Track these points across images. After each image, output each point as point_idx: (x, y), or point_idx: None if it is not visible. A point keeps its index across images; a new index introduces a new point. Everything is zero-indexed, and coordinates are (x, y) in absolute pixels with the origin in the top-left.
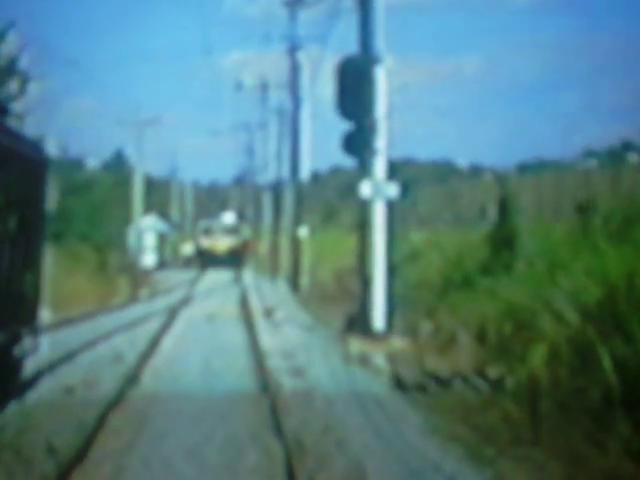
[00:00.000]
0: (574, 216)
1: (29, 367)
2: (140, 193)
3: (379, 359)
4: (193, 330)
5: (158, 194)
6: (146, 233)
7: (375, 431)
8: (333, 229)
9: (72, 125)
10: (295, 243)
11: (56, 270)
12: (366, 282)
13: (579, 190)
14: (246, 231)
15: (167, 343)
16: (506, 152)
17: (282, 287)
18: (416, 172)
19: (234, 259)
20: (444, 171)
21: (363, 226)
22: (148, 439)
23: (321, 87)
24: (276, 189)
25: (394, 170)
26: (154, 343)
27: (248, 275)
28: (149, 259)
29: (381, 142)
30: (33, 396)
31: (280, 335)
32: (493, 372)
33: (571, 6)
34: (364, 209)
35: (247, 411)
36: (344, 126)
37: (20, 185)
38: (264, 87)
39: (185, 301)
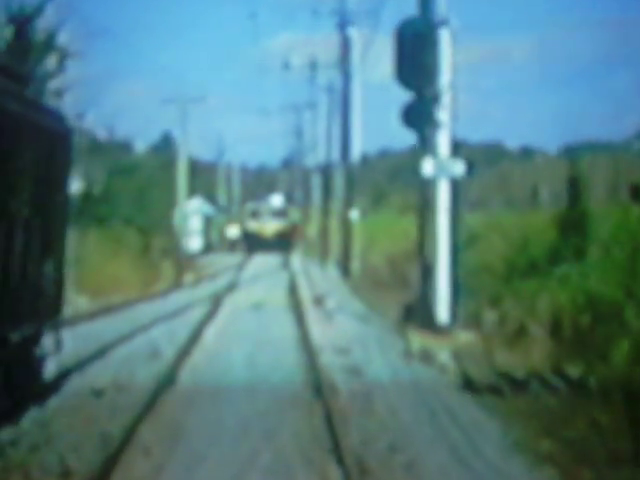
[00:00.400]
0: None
1: (55, 364)
2: (185, 175)
3: (444, 355)
4: (238, 321)
5: (205, 177)
6: (192, 216)
7: (450, 448)
8: (383, 212)
9: (121, 107)
10: (346, 226)
11: (98, 254)
12: (426, 269)
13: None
14: (294, 214)
15: (209, 336)
16: (556, 134)
17: (332, 272)
18: (466, 154)
19: (282, 243)
20: (494, 153)
21: (423, 208)
22: (181, 462)
23: (370, 68)
24: (326, 171)
25: (457, 147)
26: (194, 337)
27: (296, 259)
28: (195, 243)
29: (445, 114)
30: (55, 401)
31: (332, 327)
32: (572, 371)
33: None
34: (424, 189)
35: (297, 423)
36: (393, 107)
37: (37, 159)
38: (313, 66)
39: (230, 287)
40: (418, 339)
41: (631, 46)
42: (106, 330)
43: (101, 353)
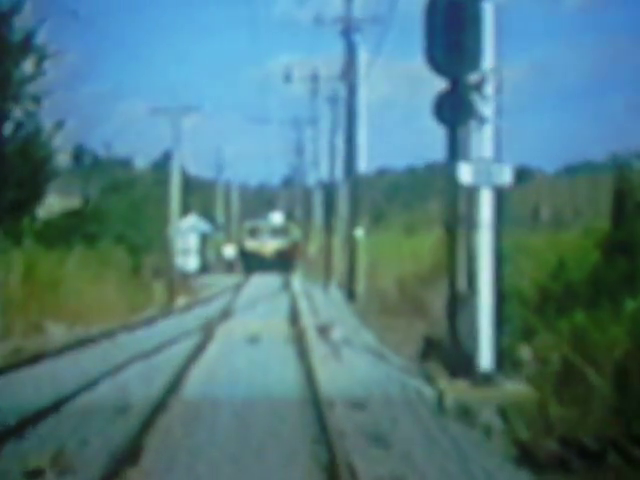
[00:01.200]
0: None
1: None
2: (178, 190)
3: (488, 413)
4: (230, 359)
5: (203, 195)
6: (187, 234)
7: None
8: (384, 232)
9: (124, 126)
10: (351, 246)
11: (80, 277)
12: (457, 298)
13: None
14: (295, 232)
15: (192, 383)
16: (553, 154)
17: (336, 295)
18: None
19: (282, 263)
20: None
21: (454, 224)
22: None
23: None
24: (329, 188)
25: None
26: (175, 383)
27: (297, 280)
28: (190, 262)
29: (488, 107)
30: None
31: (342, 366)
32: None
33: (617, 7)
34: (454, 201)
35: None
36: (390, 126)
37: None
38: (314, 78)
39: (225, 314)
40: (452, 389)
41: (623, 69)
42: (69, 371)
43: (54, 408)
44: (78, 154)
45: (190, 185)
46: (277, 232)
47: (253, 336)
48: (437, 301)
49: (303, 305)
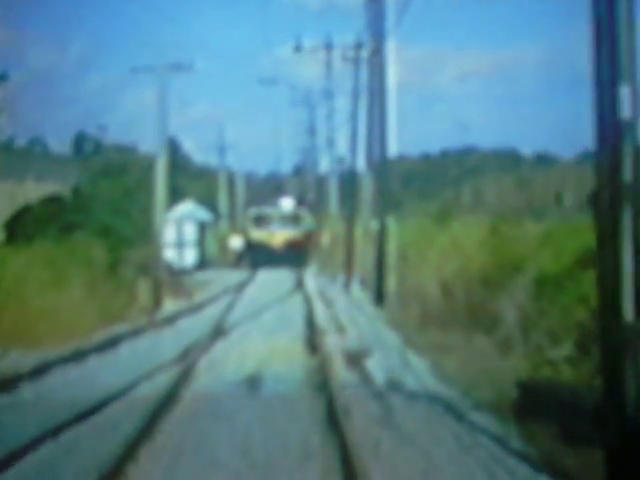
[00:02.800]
0: None
1: None
2: (164, 172)
3: None
4: (211, 424)
5: (209, 184)
6: (182, 224)
7: None
8: (403, 221)
9: (134, 114)
10: (380, 237)
11: (44, 276)
12: (617, 330)
13: None
14: (308, 220)
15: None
16: (571, 140)
17: (360, 296)
18: (480, 160)
19: (294, 256)
20: (508, 160)
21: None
22: None
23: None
24: (350, 172)
25: None
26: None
27: (311, 277)
28: (186, 256)
29: None
30: None
31: (402, 448)
32: None
33: None
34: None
35: None
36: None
37: None
38: (328, 47)
39: (219, 331)
40: None
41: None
42: None
43: None
44: (78, 141)
45: (195, 173)
46: (288, 220)
47: (253, 375)
48: (507, 310)
49: (321, 312)
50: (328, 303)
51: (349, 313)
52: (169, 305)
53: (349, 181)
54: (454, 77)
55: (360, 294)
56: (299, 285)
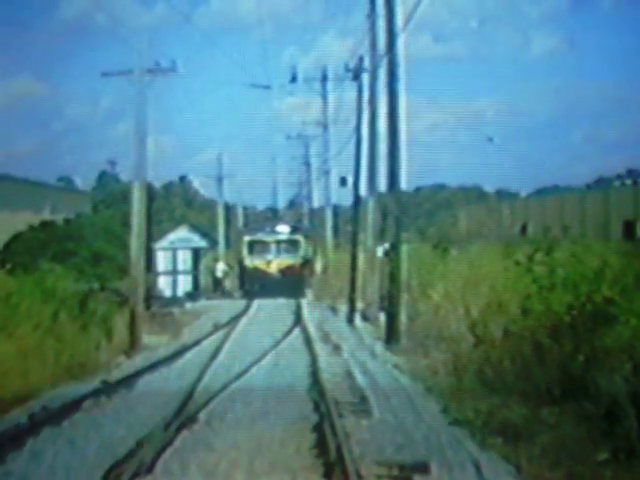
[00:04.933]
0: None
1: None
2: (140, 198)
3: None
4: None
5: (212, 216)
6: (177, 251)
7: None
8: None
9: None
10: (394, 266)
11: None
12: None
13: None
14: (305, 246)
15: None
16: (525, 179)
17: (367, 335)
18: (448, 196)
19: (291, 285)
20: (473, 195)
21: None
22: None
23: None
24: (355, 199)
25: None
26: None
27: (310, 309)
28: (180, 285)
29: None
30: None
31: None
32: None
33: (576, 57)
34: None
35: None
36: None
37: None
38: (323, 78)
39: (186, 415)
40: None
41: (583, 106)
42: None
43: None
44: (101, 179)
45: (200, 206)
46: (285, 247)
47: None
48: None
49: (327, 363)
50: (334, 347)
51: (361, 364)
52: (145, 348)
53: (353, 205)
54: (426, 125)
55: (366, 331)
56: (298, 320)
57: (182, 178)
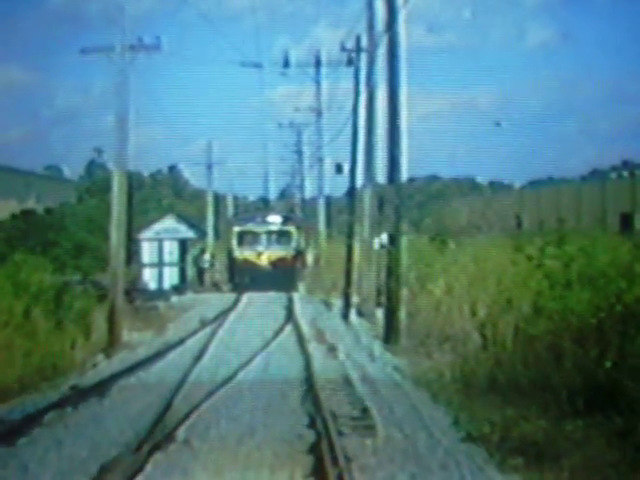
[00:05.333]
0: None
1: None
2: (121, 184)
3: None
4: None
5: (202, 206)
6: (162, 242)
7: None
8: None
9: (142, 148)
10: (393, 257)
11: None
12: None
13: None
14: (297, 237)
15: None
16: (519, 171)
17: (364, 332)
18: (441, 188)
19: (283, 278)
20: (466, 187)
21: None
22: None
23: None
24: (351, 189)
25: None
26: None
27: (303, 304)
28: (166, 277)
29: None
30: None
31: None
32: None
33: (570, 48)
34: None
35: None
36: None
37: None
38: (317, 63)
39: (169, 422)
40: None
41: (576, 98)
42: None
43: None
44: (89, 168)
45: (190, 196)
46: (276, 238)
47: None
48: None
49: (322, 364)
50: (329, 348)
51: (360, 367)
52: (126, 346)
53: (348, 193)
54: (418, 116)
55: (363, 328)
56: (289, 315)
57: (172, 168)
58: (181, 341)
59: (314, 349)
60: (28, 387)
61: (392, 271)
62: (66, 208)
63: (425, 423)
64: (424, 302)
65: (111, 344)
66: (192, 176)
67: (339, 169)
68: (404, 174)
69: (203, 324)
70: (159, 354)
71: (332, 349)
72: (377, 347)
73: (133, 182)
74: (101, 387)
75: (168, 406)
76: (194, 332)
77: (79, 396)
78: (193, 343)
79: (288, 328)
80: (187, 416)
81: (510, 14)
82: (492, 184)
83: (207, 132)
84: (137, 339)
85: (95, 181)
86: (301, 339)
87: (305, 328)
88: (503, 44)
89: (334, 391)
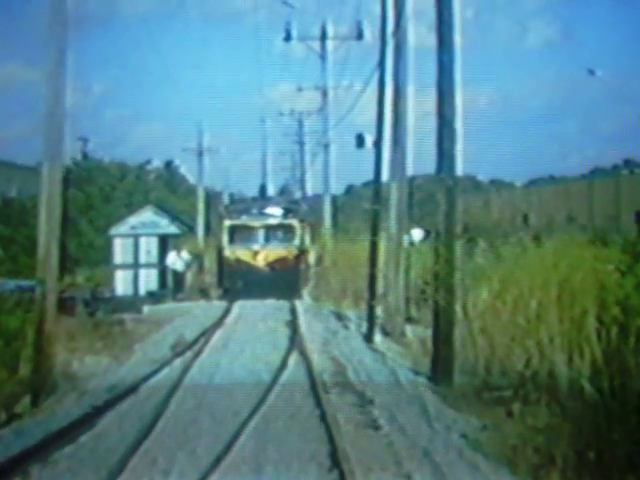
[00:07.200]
0: None
1: None
2: (52, 178)
3: None
4: None
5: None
6: (139, 238)
7: None
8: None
9: (142, 146)
10: (439, 265)
11: None
12: None
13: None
14: (302, 233)
15: None
16: (520, 169)
17: (399, 366)
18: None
19: (284, 282)
20: (467, 185)
21: None
22: None
23: None
24: (376, 182)
25: None
26: None
27: (309, 316)
28: (143, 281)
29: None
30: None
31: None
32: None
33: (572, 47)
34: None
35: None
36: None
37: None
38: (323, 37)
39: None
40: None
41: (576, 98)
42: None
43: None
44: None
45: (185, 192)
46: (275, 233)
47: None
48: None
49: (355, 449)
50: (359, 399)
51: (414, 446)
52: (73, 379)
53: (374, 178)
54: (419, 114)
55: (394, 355)
56: (293, 336)
57: (168, 163)
58: (142, 380)
59: (336, 405)
60: None
61: (440, 280)
62: (28, 200)
63: None
64: (479, 322)
65: (41, 382)
66: (188, 172)
67: (360, 142)
68: (458, 166)
69: (175, 351)
70: (98, 412)
71: (363, 403)
72: (428, 395)
73: (116, 172)
74: None
75: None
76: (162, 365)
77: None
78: (155, 386)
79: (292, 360)
80: None
81: (511, 13)
82: (493, 182)
83: (198, 117)
84: (89, 368)
85: (70, 170)
86: (313, 384)
87: (317, 360)
88: (504, 43)
89: None
